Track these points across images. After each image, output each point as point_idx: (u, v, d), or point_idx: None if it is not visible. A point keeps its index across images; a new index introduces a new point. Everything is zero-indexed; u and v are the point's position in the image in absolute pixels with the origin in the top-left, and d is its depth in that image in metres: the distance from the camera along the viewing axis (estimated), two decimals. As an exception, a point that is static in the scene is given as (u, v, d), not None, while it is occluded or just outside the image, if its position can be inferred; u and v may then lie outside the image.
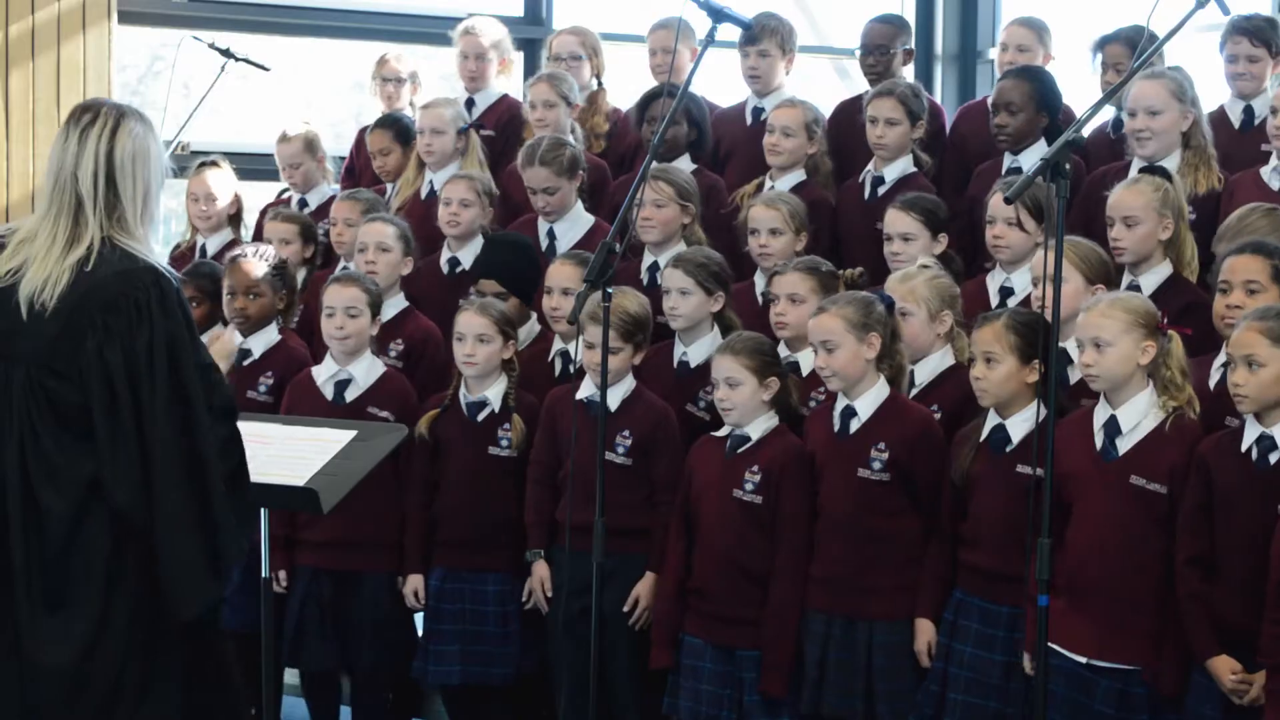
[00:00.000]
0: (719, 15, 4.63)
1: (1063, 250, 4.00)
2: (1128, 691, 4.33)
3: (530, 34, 8.41)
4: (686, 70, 6.68)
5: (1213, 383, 4.56)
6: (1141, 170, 5.26)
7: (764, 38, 6.53)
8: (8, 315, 3.64)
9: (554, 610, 5.20)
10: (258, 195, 7.54)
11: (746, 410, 4.89)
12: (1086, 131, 6.35)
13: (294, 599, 5.44)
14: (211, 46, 6.66)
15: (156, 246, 3.79)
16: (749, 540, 4.86)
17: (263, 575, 4.54)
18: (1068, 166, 3.93)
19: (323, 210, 6.92)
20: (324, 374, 5.52)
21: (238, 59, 6.57)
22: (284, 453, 4.46)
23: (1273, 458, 4.14)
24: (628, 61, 7.66)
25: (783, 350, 5.17)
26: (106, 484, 3.59)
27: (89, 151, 3.66)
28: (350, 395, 5.47)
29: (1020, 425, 4.59)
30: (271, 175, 7.49)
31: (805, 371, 5.15)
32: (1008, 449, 4.60)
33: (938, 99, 8.88)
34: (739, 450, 4.91)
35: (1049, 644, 4.34)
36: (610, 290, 4.44)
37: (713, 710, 4.85)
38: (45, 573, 3.61)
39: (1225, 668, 4.18)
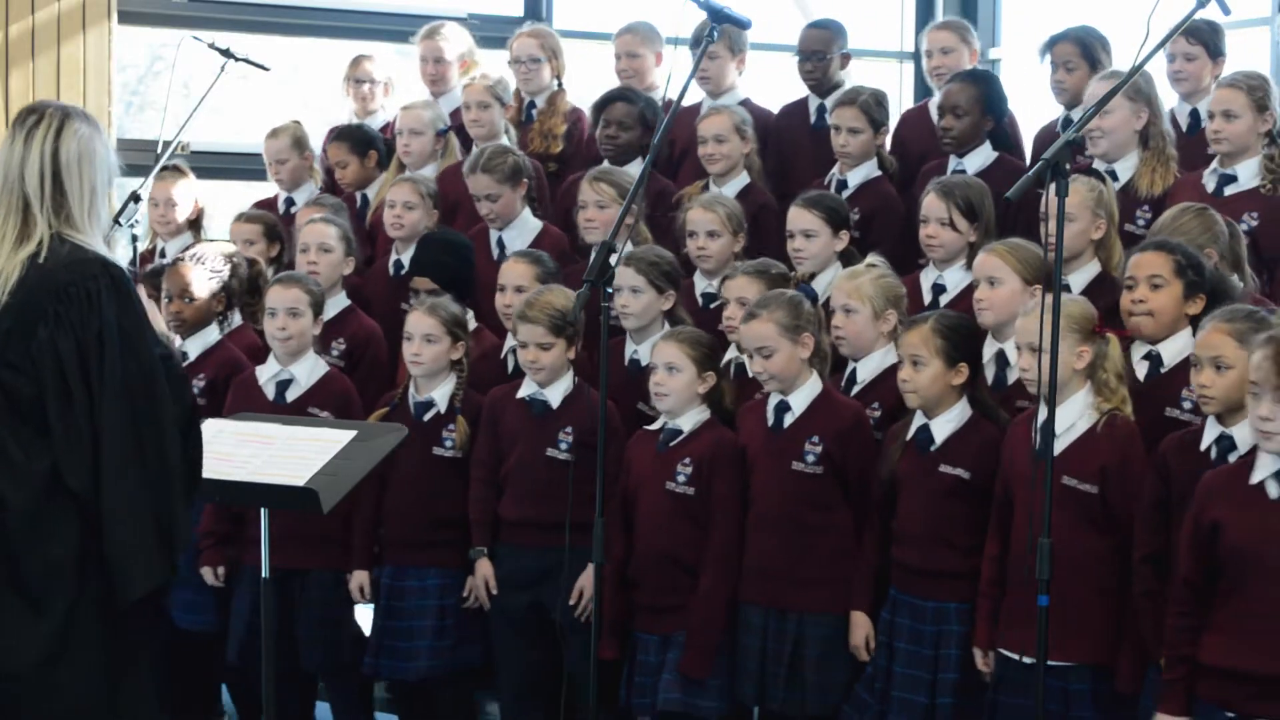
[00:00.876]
0: (719, 15, 4.64)
1: (1062, 250, 4.00)
2: (1069, 689, 4.35)
3: (529, 34, 8.39)
4: (650, 74, 6.75)
5: (1142, 375, 4.60)
6: (1075, 170, 5.28)
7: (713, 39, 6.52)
8: None
9: (496, 606, 5.25)
10: (257, 195, 7.54)
11: (681, 399, 4.93)
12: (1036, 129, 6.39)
13: (241, 599, 5.46)
14: (211, 46, 6.65)
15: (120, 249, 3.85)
16: (682, 532, 4.91)
17: (263, 575, 4.53)
18: (1067, 166, 3.92)
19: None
20: (266, 374, 5.56)
21: (238, 59, 6.56)
22: (284, 453, 4.46)
23: (1232, 458, 4.15)
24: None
25: (735, 352, 5.19)
26: (62, 470, 3.63)
27: (34, 152, 3.72)
28: (291, 395, 5.50)
29: (944, 426, 4.64)
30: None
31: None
32: (932, 449, 4.64)
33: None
34: (671, 443, 4.95)
35: (1002, 651, 4.44)
36: (610, 290, 4.44)
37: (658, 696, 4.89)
38: (7, 567, 3.62)
39: None
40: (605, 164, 6.25)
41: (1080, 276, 4.98)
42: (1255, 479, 3.95)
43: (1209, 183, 5.41)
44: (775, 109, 6.80)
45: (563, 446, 5.17)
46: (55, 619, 3.63)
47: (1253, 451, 4.00)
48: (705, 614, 4.86)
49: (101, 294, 3.65)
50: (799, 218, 5.48)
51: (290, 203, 7.03)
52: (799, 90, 6.74)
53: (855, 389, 5.03)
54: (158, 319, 4.25)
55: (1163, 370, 4.59)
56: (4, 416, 3.64)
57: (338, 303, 5.90)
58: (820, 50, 6.59)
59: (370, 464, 4.48)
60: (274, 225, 6.49)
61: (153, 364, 3.69)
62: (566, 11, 8.83)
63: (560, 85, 7.08)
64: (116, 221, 5.20)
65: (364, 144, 6.90)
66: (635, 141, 6.35)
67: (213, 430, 4.62)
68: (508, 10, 8.78)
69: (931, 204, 5.24)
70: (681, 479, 4.91)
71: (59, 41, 7.70)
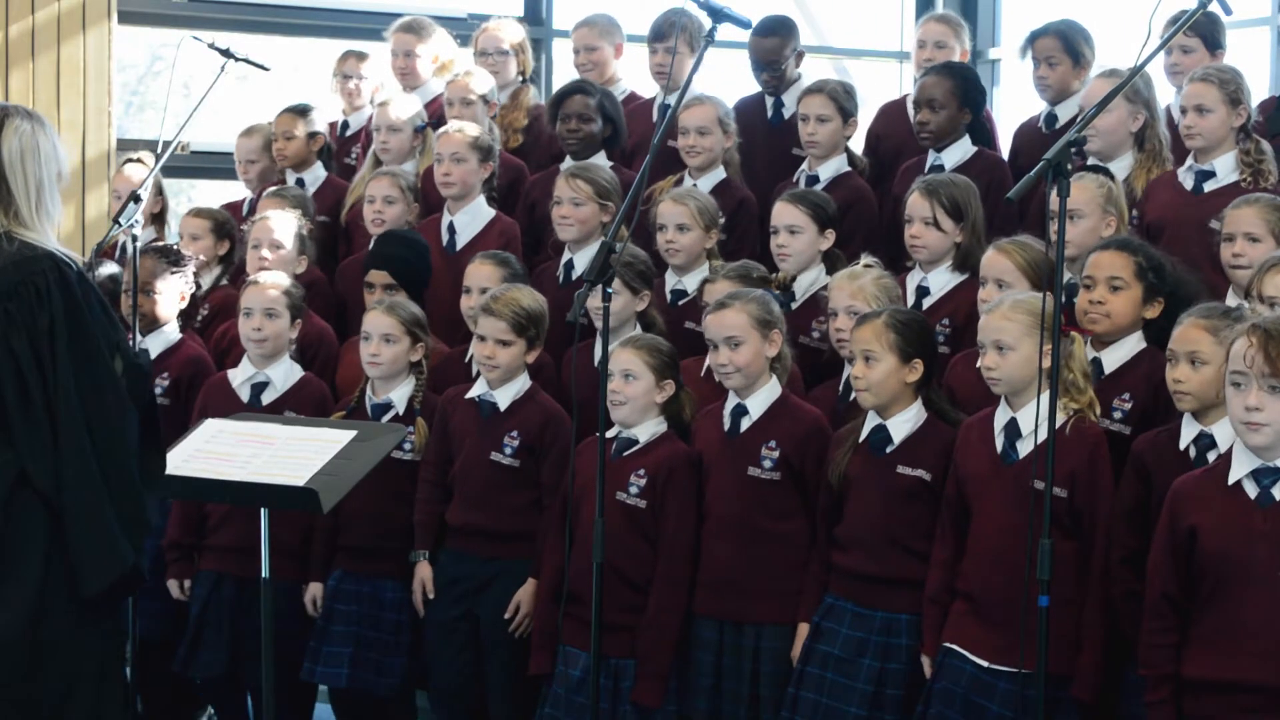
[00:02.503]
0: (719, 15, 4.62)
1: (1063, 250, 3.97)
2: (1026, 695, 4.14)
3: (530, 34, 8.38)
4: (609, 67, 6.74)
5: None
6: (1084, 168, 5.26)
7: (671, 34, 6.49)
8: None
9: (431, 613, 5.15)
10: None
11: (637, 408, 4.81)
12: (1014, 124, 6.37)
13: (194, 604, 5.39)
14: (211, 46, 6.63)
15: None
16: (630, 545, 4.75)
17: (263, 575, 4.51)
18: (1068, 166, 3.91)
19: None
20: (240, 376, 5.46)
21: (238, 59, 6.54)
22: (284, 453, 4.45)
23: (1211, 456, 4.07)
24: (624, 61, 7.63)
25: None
26: (26, 466, 3.66)
27: None
28: (267, 398, 5.41)
29: (902, 426, 4.53)
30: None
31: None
32: (888, 449, 4.53)
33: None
34: (625, 452, 4.83)
35: (948, 644, 4.34)
36: (610, 290, 4.43)
37: None
38: None
39: None
40: (573, 160, 6.21)
41: None
42: (1233, 479, 3.83)
43: (1186, 180, 5.35)
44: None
45: (507, 451, 5.05)
46: (31, 592, 3.66)
47: (1227, 454, 3.89)
48: (656, 639, 4.72)
49: (50, 289, 3.71)
50: (784, 213, 5.39)
51: (253, 203, 6.97)
52: (752, 85, 6.68)
53: (854, 394, 4.87)
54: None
55: (1102, 378, 4.50)
56: None
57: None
58: (775, 59, 6.49)
59: (370, 464, 4.47)
60: (224, 223, 6.38)
61: (102, 356, 3.72)
62: (566, 11, 8.82)
63: (525, 80, 7.06)
64: (116, 222, 5.18)
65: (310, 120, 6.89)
66: (597, 134, 6.30)
67: (213, 430, 4.63)
68: (507, 10, 8.77)
69: (916, 203, 5.15)
70: (634, 490, 4.77)
71: (59, 41, 7.69)
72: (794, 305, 5.30)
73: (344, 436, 4.50)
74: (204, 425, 4.71)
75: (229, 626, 5.31)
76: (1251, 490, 3.81)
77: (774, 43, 6.50)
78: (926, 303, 5.16)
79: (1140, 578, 4.12)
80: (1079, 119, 4.18)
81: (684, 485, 4.76)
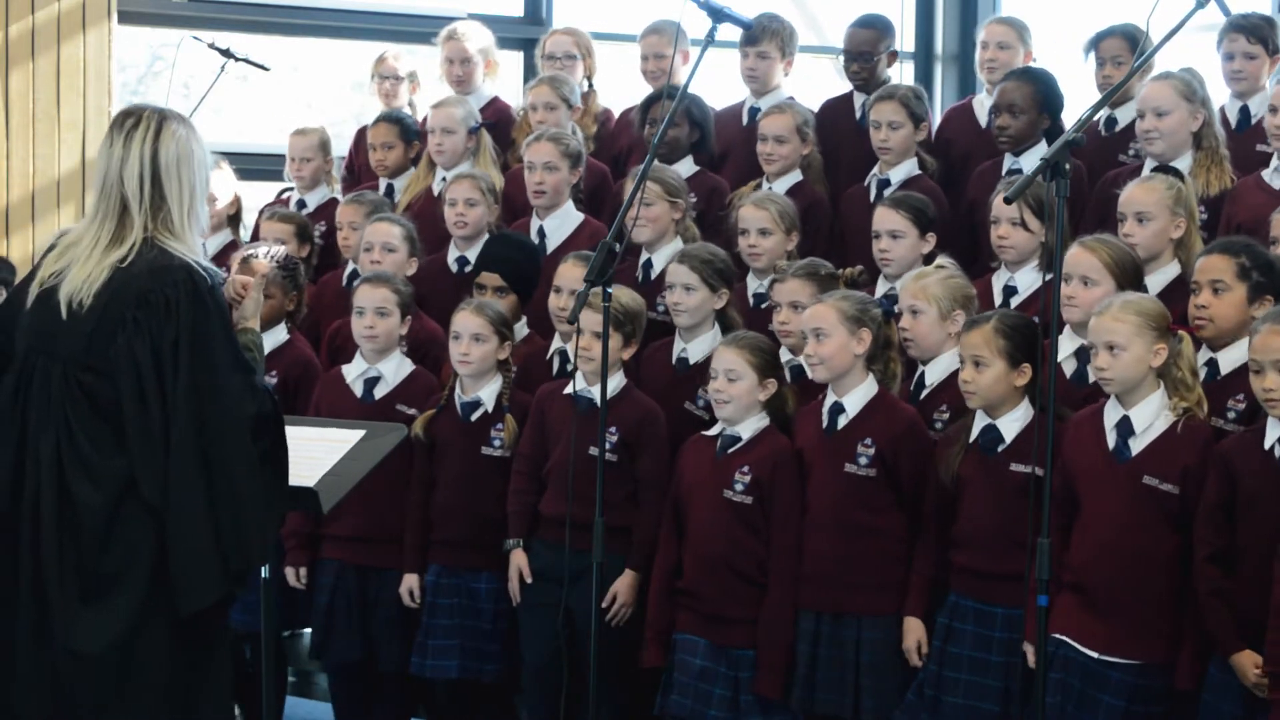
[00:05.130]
0: (719, 15, 4.64)
1: (1062, 248, 3.99)
2: (1139, 684, 4.33)
3: (530, 34, 8.42)
4: (677, 74, 6.75)
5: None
6: (1154, 169, 5.27)
7: (764, 39, 6.53)
8: (49, 314, 3.73)
9: (525, 597, 5.23)
10: (257, 195, 7.54)
11: (741, 406, 4.88)
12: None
13: (321, 594, 5.49)
14: (211, 46, 6.67)
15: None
16: (739, 540, 4.86)
17: (262, 576, 4.52)
18: (1068, 166, 3.92)
19: (321, 211, 6.91)
20: (353, 372, 5.57)
21: (238, 59, 6.58)
22: (295, 453, 4.45)
23: None
24: (624, 61, 7.65)
25: (786, 356, 5.16)
26: (138, 478, 3.65)
27: (134, 155, 3.74)
28: (379, 393, 5.53)
29: (1012, 425, 4.60)
30: (272, 175, 7.49)
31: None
32: (1000, 449, 4.60)
33: (937, 99, 8.89)
34: (729, 450, 4.91)
35: (1059, 636, 4.40)
36: (610, 290, 4.44)
37: (708, 708, 4.83)
38: (82, 566, 3.65)
39: (1249, 663, 4.18)
40: (662, 164, 6.21)
41: (1159, 277, 4.94)
42: None
43: (1275, 181, 5.34)
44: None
45: (606, 446, 5.09)
46: (130, 611, 3.65)
47: None
48: (775, 631, 4.81)
49: (180, 301, 3.68)
50: (885, 218, 5.41)
51: (302, 204, 7.00)
52: (796, 90, 6.72)
53: (925, 392, 4.97)
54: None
55: (1217, 379, 4.56)
56: (86, 419, 3.68)
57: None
58: (868, 51, 6.57)
59: (370, 465, 4.46)
60: (305, 226, 6.48)
61: (226, 375, 3.71)
62: (566, 11, 8.83)
63: (591, 86, 7.08)
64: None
65: (409, 132, 6.90)
66: (683, 139, 6.36)
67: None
68: (508, 10, 8.78)
69: (1002, 205, 5.14)
70: (740, 487, 4.85)
71: (59, 41, 7.69)
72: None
73: (352, 436, 4.51)
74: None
75: (359, 614, 5.44)
76: None
77: (870, 35, 6.59)
78: (1014, 302, 5.19)
79: (1225, 575, 4.22)
80: (1077, 121, 4.18)
81: (789, 480, 4.84)
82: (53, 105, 7.65)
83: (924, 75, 9.13)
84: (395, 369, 5.56)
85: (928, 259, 5.37)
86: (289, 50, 8.79)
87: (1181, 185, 5.01)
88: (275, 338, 5.74)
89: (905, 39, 9.52)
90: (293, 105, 8.58)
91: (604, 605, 5.07)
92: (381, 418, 5.16)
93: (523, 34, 8.47)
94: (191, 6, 8.33)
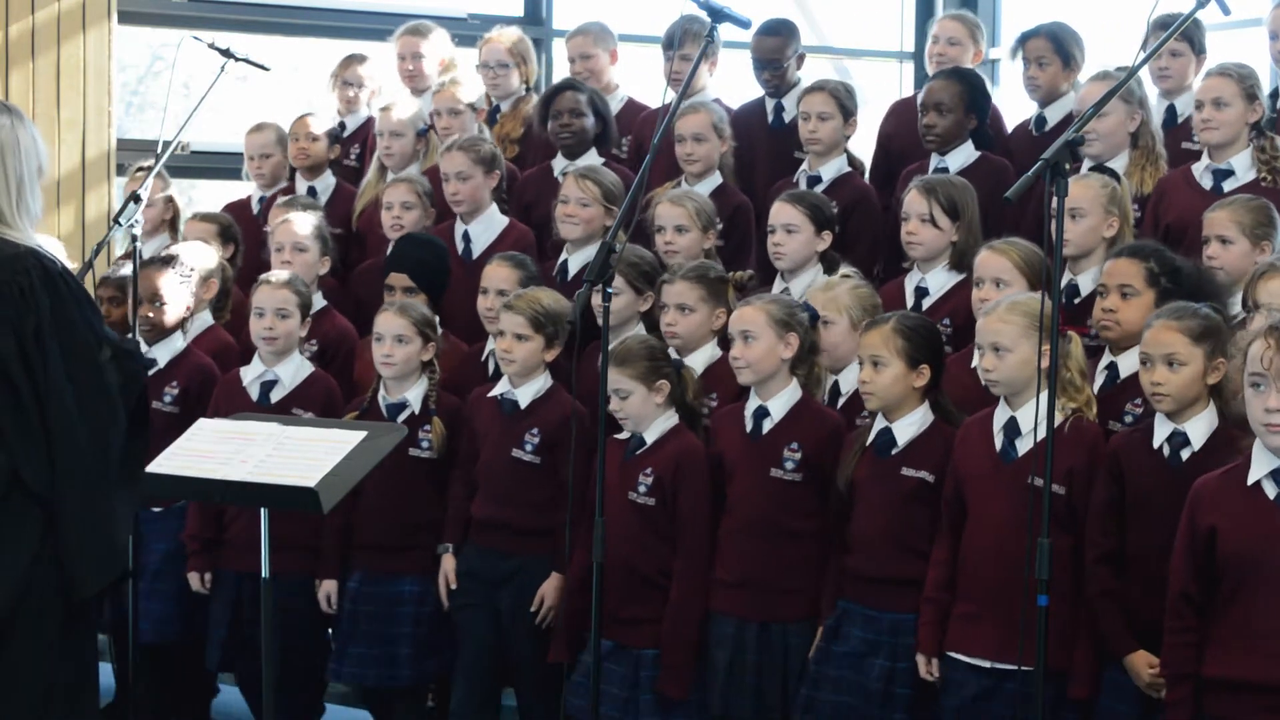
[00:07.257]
0: (719, 15, 4.64)
1: (1062, 248, 3.98)
2: (1031, 694, 4.15)
3: (530, 34, 8.39)
4: (606, 74, 6.77)
5: (1097, 386, 4.55)
6: (1090, 168, 5.26)
7: (686, 42, 6.50)
8: None
9: (454, 600, 5.22)
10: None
11: (641, 416, 4.88)
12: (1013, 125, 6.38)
13: (221, 605, 5.45)
14: (211, 46, 6.65)
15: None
16: (644, 542, 4.83)
17: (263, 576, 4.51)
18: (1067, 166, 3.91)
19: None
20: (250, 374, 5.55)
21: (238, 59, 6.56)
22: (295, 453, 4.45)
23: (1185, 454, 4.13)
24: (623, 61, 7.64)
25: (675, 356, 5.09)
26: (19, 469, 3.63)
27: None
28: (276, 396, 5.49)
29: (908, 428, 4.57)
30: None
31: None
32: (893, 452, 4.57)
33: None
34: (636, 452, 4.90)
35: (951, 654, 4.38)
36: (611, 290, 4.43)
37: (612, 710, 4.81)
38: None
39: (1143, 663, 4.15)
40: (566, 157, 6.30)
41: (1091, 275, 4.93)
42: (1252, 479, 3.81)
43: (1204, 180, 5.36)
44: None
45: (527, 448, 5.12)
46: (12, 581, 3.63)
47: (1247, 454, 3.86)
48: (679, 632, 4.78)
49: (35, 287, 3.66)
50: (781, 212, 5.42)
51: (263, 201, 6.99)
52: (755, 89, 6.70)
53: (840, 400, 4.96)
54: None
55: (1117, 382, 4.54)
56: None
57: (314, 303, 5.82)
58: (776, 58, 6.54)
59: (369, 465, 4.47)
60: (229, 226, 6.44)
61: (90, 353, 3.69)
62: (567, 11, 8.83)
63: (528, 91, 7.08)
64: (116, 222, 5.19)
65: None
66: (589, 129, 6.36)
67: (219, 430, 4.63)
68: (508, 10, 8.79)
69: (913, 200, 5.18)
70: (643, 489, 4.84)
71: (59, 41, 7.71)
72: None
73: (354, 437, 4.51)
74: (210, 425, 4.71)
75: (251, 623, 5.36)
76: (1271, 490, 3.80)
77: (776, 42, 6.55)
78: (926, 303, 5.19)
79: (1116, 576, 4.18)
80: (1076, 121, 4.17)
81: (693, 480, 4.81)
82: (53, 105, 7.67)
83: (924, 76, 9.11)
84: (293, 372, 5.53)
85: (825, 259, 5.39)
86: (289, 50, 8.80)
87: (1116, 184, 5.00)
88: (171, 347, 5.72)
89: (905, 40, 9.53)
90: (293, 105, 8.58)
91: (533, 609, 5.08)
92: (277, 421, 5.13)
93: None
94: (191, 6, 8.34)
